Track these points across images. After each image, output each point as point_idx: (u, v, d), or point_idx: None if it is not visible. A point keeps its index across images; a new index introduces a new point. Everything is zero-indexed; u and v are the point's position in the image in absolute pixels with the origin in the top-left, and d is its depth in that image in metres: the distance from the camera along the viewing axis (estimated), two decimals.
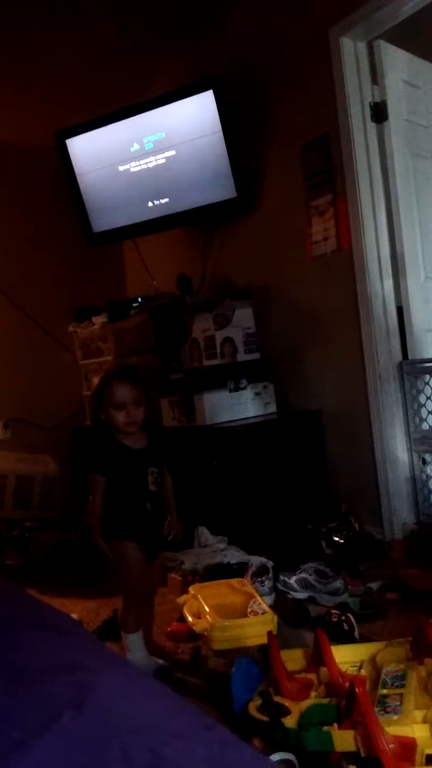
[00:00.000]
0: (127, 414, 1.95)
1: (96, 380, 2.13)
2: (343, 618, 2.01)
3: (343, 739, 1.34)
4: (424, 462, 2.87)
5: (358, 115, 2.84)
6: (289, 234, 3.24)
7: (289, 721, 1.44)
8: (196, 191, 3.50)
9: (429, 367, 2.83)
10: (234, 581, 2.28)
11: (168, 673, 1.93)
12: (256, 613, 2.01)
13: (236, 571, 2.49)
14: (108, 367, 2.24)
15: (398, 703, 1.43)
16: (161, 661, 1.98)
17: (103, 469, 1.97)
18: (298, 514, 2.91)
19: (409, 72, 3.00)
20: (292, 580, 2.44)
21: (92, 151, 3.78)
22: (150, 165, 3.62)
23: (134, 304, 3.82)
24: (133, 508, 1.97)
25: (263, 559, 2.50)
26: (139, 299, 3.86)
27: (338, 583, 2.35)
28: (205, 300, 3.39)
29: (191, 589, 2.23)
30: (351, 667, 1.67)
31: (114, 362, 3.83)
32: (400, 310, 2.94)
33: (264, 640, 1.75)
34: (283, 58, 3.17)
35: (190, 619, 2.08)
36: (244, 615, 2.02)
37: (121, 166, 3.71)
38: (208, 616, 1.99)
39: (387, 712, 1.40)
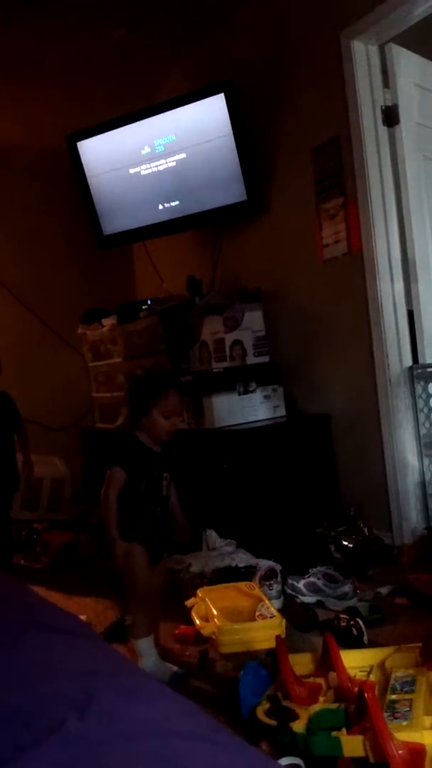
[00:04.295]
0: (172, 423, 1.99)
1: (106, 384, 2.13)
2: (352, 623, 2.00)
3: (352, 745, 1.33)
4: None
5: (369, 119, 2.84)
6: (299, 237, 3.24)
7: (298, 726, 1.43)
8: (206, 194, 3.50)
9: None
10: (242, 585, 2.27)
11: (183, 680, 1.91)
12: (264, 617, 2.00)
13: (244, 574, 2.48)
14: (136, 371, 2.23)
15: (407, 708, 1.42)
16: (175, 668, 1.96)
17: (126, 466, 1.96)
18: (306, 518, 2.89)
19: (421, 75, 2.99)
20: (301, 584, 2.43)
21: (103, 153, 3.79)
22: (160, 168, 3.62)
23: (144, 307, 3.82)
24: (145, 511, 1.98)
25: (272, 563, 2.49)
26: (149, 301, 3.86)
27: (347, 588, 2.34)
28: (215, 303, 3.39)
29: (199, 592, 2.22)
30: (360, 672, 1.66)
31: (130, 367, 3.83)
32: (410, 314, 2.93)
33: (272, 644, 1.74)
34: (294, 61, 3.17)
35: (197, 622, 2.07)
36: (253, 619, 2.01)
37: (132, 168, 3.72)
38: (216, 620, 1.98)
39: (396, 718, 1.39)
